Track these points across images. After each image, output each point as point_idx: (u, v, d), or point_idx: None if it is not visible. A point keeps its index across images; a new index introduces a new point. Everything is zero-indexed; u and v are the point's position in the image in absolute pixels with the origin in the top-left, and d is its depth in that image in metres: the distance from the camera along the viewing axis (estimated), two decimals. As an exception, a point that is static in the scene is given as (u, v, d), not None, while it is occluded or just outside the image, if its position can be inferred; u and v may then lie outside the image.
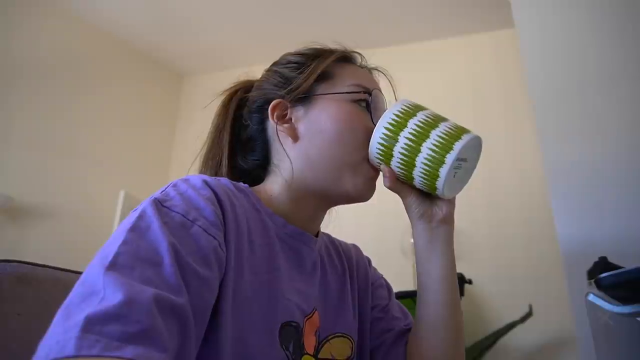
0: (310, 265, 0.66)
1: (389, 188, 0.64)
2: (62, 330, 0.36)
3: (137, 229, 0.46)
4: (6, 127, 2.39)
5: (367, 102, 0.66)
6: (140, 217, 0.48)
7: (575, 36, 1.26)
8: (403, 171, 0.61)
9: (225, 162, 0.69)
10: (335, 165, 0.63)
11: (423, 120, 0.59)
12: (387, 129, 0.60)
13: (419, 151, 0.58)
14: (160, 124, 3.34)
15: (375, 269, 0.80)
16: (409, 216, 0.66)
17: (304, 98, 0.66)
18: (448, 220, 0.65)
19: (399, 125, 0.59)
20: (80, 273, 0.76)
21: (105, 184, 2.78)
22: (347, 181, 0.63)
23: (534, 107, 1.26)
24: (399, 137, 0.59)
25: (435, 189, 0.59)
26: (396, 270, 2.53)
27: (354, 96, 0.65)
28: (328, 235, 0.77)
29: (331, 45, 0.71)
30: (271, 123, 0.67)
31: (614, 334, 0.61)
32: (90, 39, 2.91)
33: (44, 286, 0.65)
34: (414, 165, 0.59)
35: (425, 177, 0.59)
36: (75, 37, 2.82)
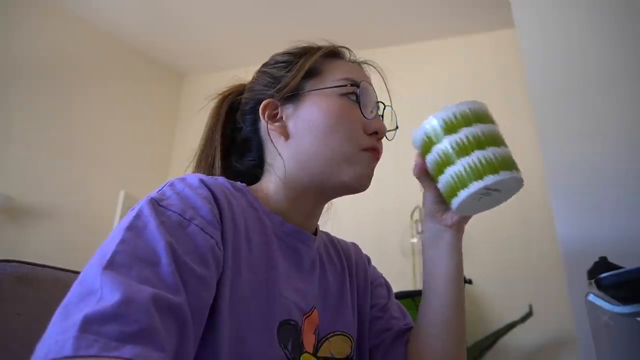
0: (309, 263, 0.66)
1: (415, 176, 0.64)
2: (61, 330, 0.36)
3: (135, 228, 0.46)
4: (6, 127, 2.39)
5: (356, 95, 0.66)
6: (137, 216, 0.48)
7: (575, 36, 1.26)
8: (432, 170, 0.60)
9: (218, 163, 0.69)
10: (329, 158, 0.63)
11: (474, 135, 0.56)
12: (438, 124, 0.58)
13: (453, 163, 0.56)
14: (160, 124, 3.34)
15: (374, 268, 0.80)
16: (423, 210, 0.67)
17: (293, 96, 0.66)
18: (456, 228, 0.65)
19: (448, 128, 0.57)
20: (79, 273, 0.76)
21: (105, 184, 2.78)
22: (343, 173, 0.63)
23: (534, 107, 1.26)
24: (443, 138, 0.57)
25: (450, 203, 0.59)
26: (396, 270, 2.53)
27: (342, 90, 0.65)
28: (327, 234, 0.77)
29: (319, 42, 0.71)
30: (263, 123, 0.67)
31: (614, 334, 0.61)
32: (89, 39, 2.91)
33: (44, 286, 0.65)
34: (442, 172, 0.58)
35: (447, 188, 0.58)
36: (75, 37, 2.82)
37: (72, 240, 2.50)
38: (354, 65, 0.71)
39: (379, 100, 0.70)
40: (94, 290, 0.39)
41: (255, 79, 0.72)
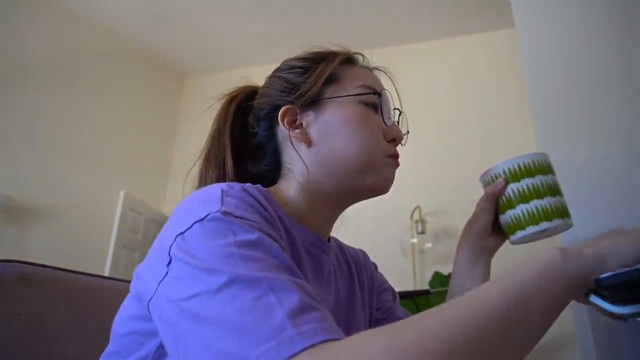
0: (327, 272, 0.66)
1: (486, 194, 0.67)
2: (263, 336, 0.35)
3: (245, 244, 0.44)
4: (7, 127, 2.40)
5: (376, 103, 0.66)
6: (235, 232, 0.45)
7: (575, 37, 1.26)
8: (502, 202, 0.65)
9: (230, 163, 0.68)
10: (354, 165, 0.63)
11: (549, 182, 0.64)
12: (519, 166, 0.65)
13: (527, 202, 0.63)
14: (161, 124, 3.34)
15: (381, 274, 0.80)
16: (467, 225, 0.70)
17: (313, 102, 0.65)
18: (492, 251, 0.70)
19: (527, 172, 0.64)
20: (80, 273, 0.76)
21: (105, 184, 2.79)
22: (368, 179, 0.63)
23: (533, 107, 1.26)
24: (522, 180, 0.64)
25: (513, 234, 0.65)
26: (396, 270, 2.53)
27: (363, 98, 0.65)
28: (336, 240, 0.76)
29: (331, 48, 0.71)
30: (282, 129, 0.66)
31: (614, 334, 0.61)
32: (91, 39, 2.91)
33: (45, 286, 0.65)
34: (513, 207, 0.64)
35: (513, 221, 0.64)
36: (76, 37, 2.83)
37: (72, 240, 2.51)
38: (368, 72, 0.71)
39: (395, 107, 0.70)
40: (270, 301, 0.38)
41: (269, 84, 0.71)
